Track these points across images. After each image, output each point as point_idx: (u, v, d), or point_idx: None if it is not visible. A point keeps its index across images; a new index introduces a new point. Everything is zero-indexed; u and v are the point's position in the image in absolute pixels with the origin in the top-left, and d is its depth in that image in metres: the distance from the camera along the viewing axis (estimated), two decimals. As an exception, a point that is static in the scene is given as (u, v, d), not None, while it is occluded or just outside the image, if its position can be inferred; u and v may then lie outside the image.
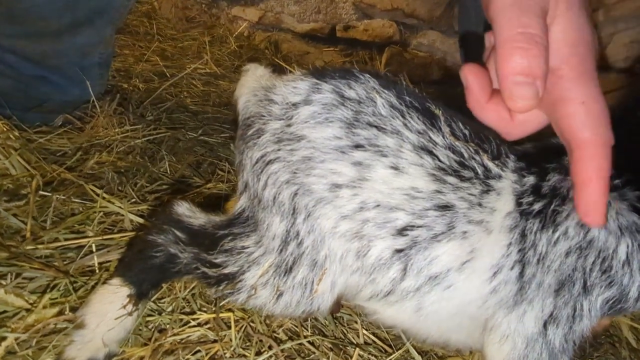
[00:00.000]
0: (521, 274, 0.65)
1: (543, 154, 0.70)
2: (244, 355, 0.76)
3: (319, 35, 2.41)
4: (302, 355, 0.80)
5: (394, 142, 0.64)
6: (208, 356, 0.74)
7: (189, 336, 0.77)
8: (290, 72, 0.74)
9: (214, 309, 0.82)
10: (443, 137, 0.65)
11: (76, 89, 1.26)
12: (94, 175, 1.07)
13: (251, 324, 0.81)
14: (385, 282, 0.66)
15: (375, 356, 0.84)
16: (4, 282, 0.76)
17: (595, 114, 0.59)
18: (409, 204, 0.64)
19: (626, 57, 1.97)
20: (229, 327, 0.79)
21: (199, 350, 0.75)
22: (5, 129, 1.05)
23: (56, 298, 0.76)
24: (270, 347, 0.78)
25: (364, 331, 0.88)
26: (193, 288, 0.85)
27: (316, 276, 0.68)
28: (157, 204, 1.02)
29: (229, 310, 0.82)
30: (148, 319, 0.79)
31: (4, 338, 0.68)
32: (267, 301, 0.71)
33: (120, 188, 1.05)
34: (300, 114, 0.67)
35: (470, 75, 0.64)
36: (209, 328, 0.78)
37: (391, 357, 0.84)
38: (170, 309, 0.81)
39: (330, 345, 0.83)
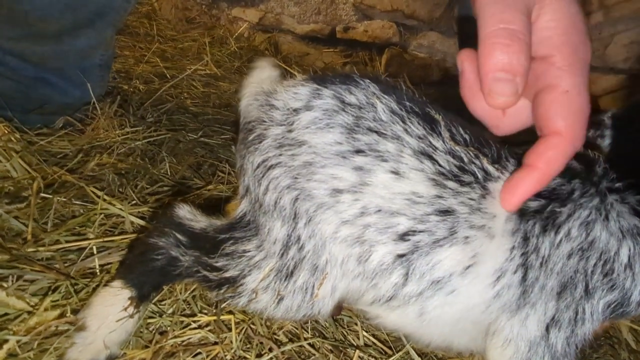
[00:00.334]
0: (524, 278, 0.65)
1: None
2: (245, 358, 0.77)
3: (319, 36, 2.41)
4: (303, 357, 0.81)
5: (394, 147, 0.65)
6: (209, 358, 0.74)
7: (189, 338, 0.77)
8: (292, 74, 0.75)
9: (214, 311, 0.82)
10: (443, 142, 0.66)
11: (77, 91, 1.26)
12: (94, 177, 1.07)
13: (252, 326, 0.82)
14: (388, 287, 0.66)
15: (375, 358, 0.85)
16: (5, 285, 0.76)
17: (575, 108, 0.59)
18: (410, 209, 0.64)
19: (626, 58, 1.97)
20: (230, 330, 0.79)
21: (199, 353, 0.75)
22: (6, 131, 1.05)
23: (57, 300, 0.77)
24: (270, 350, 0.79)
25: (364, 333, 0.88)
26: (193, 290, 0.85)
27: (317, 281, 0.68)
28: (158, 206, 1.02)
29: (230, 312, 0.82)
30: (149, 321, 0.79)
31: (6, 341, 0.69)
32: (267, 305, 0.71)
33: (120, 190, 1.05)
34: (301, 120, 0.67)
35: (466, 60, 0.64)
36: (209, 330, 0.79)
37: (391, 358, 0.84)
38: (170, 311, 0.82)
39: (330, 347, 0.83)
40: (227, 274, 0.72)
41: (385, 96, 0.67)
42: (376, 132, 0.65)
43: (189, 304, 0.83)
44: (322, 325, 0.88)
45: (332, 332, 0.88)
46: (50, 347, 0.70)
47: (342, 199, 0.65)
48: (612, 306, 0.67)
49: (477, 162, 0.66)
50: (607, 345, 1.02)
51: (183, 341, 0.77)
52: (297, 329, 0.85)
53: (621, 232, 0.66)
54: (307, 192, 0.66)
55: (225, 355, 0.76)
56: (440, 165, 0.65)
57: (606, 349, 1.01)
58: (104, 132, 1.22)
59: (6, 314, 0.73)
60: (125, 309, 0.72)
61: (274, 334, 0.83)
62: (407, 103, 0.67)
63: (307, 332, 0.86)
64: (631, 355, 1.01)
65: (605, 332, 1.04)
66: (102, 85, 1.34)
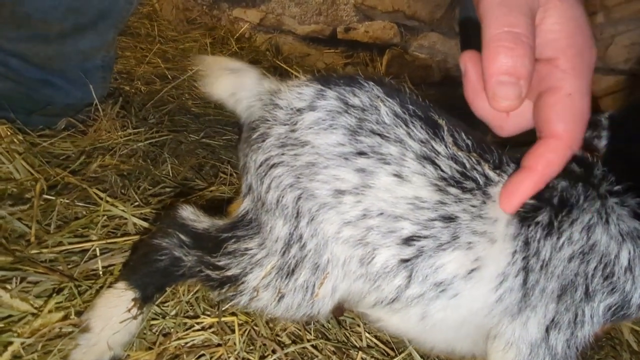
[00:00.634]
0: (525, 281, 0.65)
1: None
2: (248, 359, 0.77)
3: (320, 37, 2.41)
4: (306, 358, 0.81)
5: (397, 150, 0.65)
6: (212, 360, 0.75)
7: (193, 340, 0.77)
8: (295, 75, 0.75)
9: (217, 312, 0.82)
10: (446, 147, 0.66)
11: (79, 92, 1.26)
12: (97, 178, 1.07)
13: (255, 327, 0.82)
14: (391, 289, 0.66)
15: (378, 359, 0.85)
16: (9, 287, 0.76)
17: (576, 112, 0.59)
18: (413, 214, 0.64)
19: (627, 59, 1.97)
20: (233, 331, 0.79)
21: (203, 354, 0.75)
22: (9, 133, 1.05)
23: (61, 302, 0.77)
24: (274, 351, 0.79)
25: (367, 334, 0.89)
26: (196, 292, 0.85)
27: (318, 280, 0.69)
28: (160, 207, 1.03)
29: (233, 314, 0.82)
30: (152, 322, 0.79)
31: (10, 343, 0.69)
32: (268, 303, 0.71)
33: (123, 191, 1.05)
34: (304, 120, 0.68)
35: (469, 62, 0.64)
36: (212, 332, 0.79)
37: (394, 360, 0.85)
38: (174, 312, 0.82)
39: (333, 349, 0.84)
40: (229, 272, 0.72)
41: (389, 99, 0.67)
42: (379, 134, 0.65)
43: (192, 306, 0.84)
44: (325, 327, 0.89)
45: (335, 334, 0.88)
46: (54, 349, 0.70)
47: (345, 200, 0.65)
48: (613, 309, 0.68)
49: (479, 167, 0.66)
50: (609, 346, 1.02)
51: (186, 343, 0.77)
52: (300, 330, 0.85)
53: (621, 236, 0.66)
54: (309, 192, 0.66)
55: (229, 357, 0.76)
56: (442, 171, 0.65)
57: (608, 350, 1.01)
58: (106, 134, 1.23)
59: (10, 316, 0.73)
60: (129, 310, 0.73)
61: (277, 335, 0.83)
62: (411, 106, 0.67)
63: (310, 333, 0.86)
64: (633, 357, 1.01)
65: (607, 334, 1.04)
66: (104, 86, 1.34)
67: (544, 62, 0.61)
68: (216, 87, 0.79)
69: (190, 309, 0.83)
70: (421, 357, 0.86)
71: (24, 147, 1.05)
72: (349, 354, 0.84)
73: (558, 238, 0.65)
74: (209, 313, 0.83)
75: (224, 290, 0.73)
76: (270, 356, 0.78)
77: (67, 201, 0.96)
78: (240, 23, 2.38)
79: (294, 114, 0.69)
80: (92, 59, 1.27)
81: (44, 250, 0.84)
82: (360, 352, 0.84)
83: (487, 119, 0.67)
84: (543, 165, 0.60)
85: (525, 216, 0.65)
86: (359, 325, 0.90)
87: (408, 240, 0.64)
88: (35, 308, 0.75)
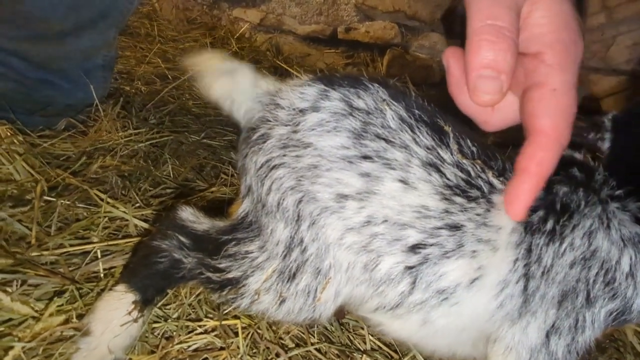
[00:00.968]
0: (525, 287, 0.65)
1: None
2: (251, 363, 0.76)
3: (321, 37, 2.40)
4: (309, 362, 0.80)
5: (402, 156, 0.64)
6: (215, 363, 0.74)
7: (195, 343, 0.77)
8: (296, 76, 0.74)
9: (219, 315, 0.82)
10: (451, 154, 0.65)
11: (80, 92, 1.25)
12: (98, 179, 1.07)
13: (258, 330, 0.81)
14: (394, 296, 0.66)
15: (381, 362, 0.84)
16: (9, 290, 0.75)
17: (562, 107, 0.58)
18: (420, 222, 0.63)
19: (628, 59, 1.96)
20: (236, 334, 0.79)
21: (206, 358, 0.75)
22: (9, 134, 1.05)
23: (62, 305, 0.76)
24: (277, 355, 0.78)
25: (371, 337, 0.88)
26: (199, 294, 0.84)
27: (319, 284, 0.68)
28: (161, 208, 1.02)
29: (236, 317, 0.82)
30: (154, 325, 0.78)
31: (11, 347, 0.68)
32: (269, 306, 0.71)
33: (124, 192, 1.04)
34: (307, 121, 0.67)
35: (451, 58, 0.63)
36: (215, 335, 0.78)
37: (397, 363, 0.84)
38: (176, 315, 0.81)
39: (337, 352, 0.83)
40: (229, 275, 0.72)
41: (395, 103, 0.66)
42: (384, 139, 0.65)
43: (194, 308, 0.83)
44: (328, 330, 0.88)
45: (339, 337, 0.87)
46: (55, 352, 0.69)
47: (347, 205, 0.64)
48: (614, 314, 0.68)
49: (483, 175, 0.66)
50: (612, 348, 1.02)
51: (189, 346, 0.76)
52: (303, 333, 0.85)
53: (622, 241, 0.66)
54: (311, 195, 0.65)
55: (232, 360, 0.75)
56: (447, 179, 0.64)
57: (611, 352, 1.01)
58: (107, 134, 1.22)
59: (10, 320, 0.73)
60: (129, 313, 0.72)
61: (281, 338, 0.83)
62: (416, 111, 0.66)
63: (314, 336, 0.85)
64: (637, 358, 1.00)
65: (610, 336, 1.04)
66: (105, 86, 1.33)
67: (530, 57, 0.59)
68: (213, 90, 0.78)
69: (193, 312, 0.83)
70: (425, 360, 0.85)
71: (24, 148, 1.05)
72: (352, 357, 0.83)
73: (560, 244, 0.65)
74: (211, 316, 0.82)
75: (224, 293, 0.73)
76: (273, 359, 0.77)
77: (67, 202, 0.95)
78: (240, 23, 2.37)
79: (296, 115, 0.68)
80: (92, 58, 1.26)
81: (45, 253, 0.84)
82: (364, 355, 0.83)
83: (472, 114, 0.66)
84: (536, 165, 0.59)
85: (529, 224, 0.65)
86: (362, 328, 0.89)
87: (414, 248, 0.64)
88: (36, 311, 0.74)
